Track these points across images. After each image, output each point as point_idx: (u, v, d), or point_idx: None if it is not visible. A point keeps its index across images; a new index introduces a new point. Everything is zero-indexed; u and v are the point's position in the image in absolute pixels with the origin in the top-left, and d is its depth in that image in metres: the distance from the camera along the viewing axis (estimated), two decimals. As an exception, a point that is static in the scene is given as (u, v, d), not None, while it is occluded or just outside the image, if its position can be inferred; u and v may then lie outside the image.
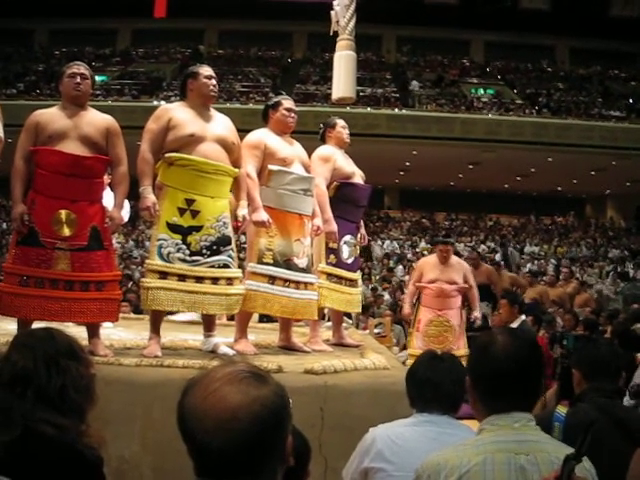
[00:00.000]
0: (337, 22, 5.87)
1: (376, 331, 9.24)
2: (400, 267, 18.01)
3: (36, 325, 3.59)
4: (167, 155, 4.19)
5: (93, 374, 2.13)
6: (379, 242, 20.79)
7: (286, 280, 4.54)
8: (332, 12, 5.88)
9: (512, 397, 1.85)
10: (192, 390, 1.35)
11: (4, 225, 19.72)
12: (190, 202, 4.16)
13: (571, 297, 10.96)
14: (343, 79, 5.86)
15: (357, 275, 5.36)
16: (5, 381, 1.97)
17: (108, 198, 4.40)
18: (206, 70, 4.43)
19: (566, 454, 1.53)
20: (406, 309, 7.76)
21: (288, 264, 4.56)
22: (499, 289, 9.39)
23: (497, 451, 1.78)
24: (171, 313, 5.57)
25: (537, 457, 1.76)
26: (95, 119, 4.14)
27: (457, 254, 11.98)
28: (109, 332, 4.92)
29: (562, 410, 2.76)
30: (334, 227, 4.98)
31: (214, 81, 4.40)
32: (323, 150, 5.23)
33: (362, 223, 5.55)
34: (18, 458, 1.81)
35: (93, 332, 4.07)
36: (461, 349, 6.88)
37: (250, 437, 1.29)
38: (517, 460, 1.76)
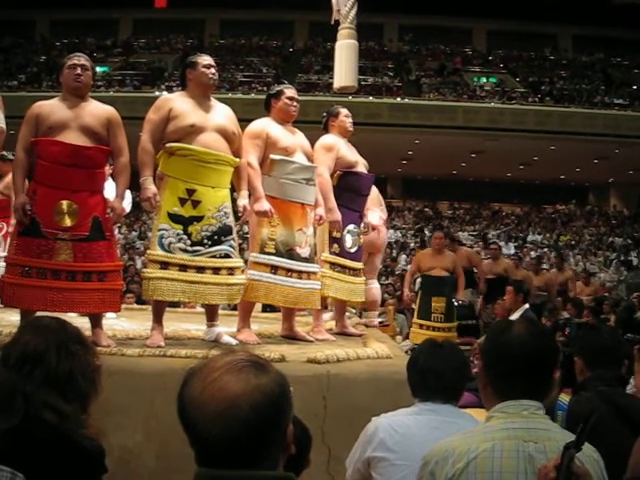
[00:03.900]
0: (338, 11, 5.84)
1: (379, 320, 9.22)
2: (403, 256, 18.03)
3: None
4: (168, 145, 4.18)
5: (99, 365, 2.14)
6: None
7: (288, 270, 4.53)
8: (333, 1, 5.87)
9: (522, 384, 1.85)
10: (192, 380, 1.35)
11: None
12: (191, 192, 4.14)
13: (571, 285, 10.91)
14: (345, 68, 5.84)
15: (361, 265, 5.34)
16: (13, 362, 1.97)
17: (109, 189, 4.39)
18: (204, 59, 4.40)
19: (566, 442, 1.53)
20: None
21: (290, 254, 4.55)
22: (481, 272, 9.27)
23: (506, 438, 1.77)
24: (174, 304, 5.58)
25: (546, 445, 1.75)
26: (96, 110, 4.12)
27: (462, 243, 11.88)
28: (112, 322, 4.93)
29: (565, 398, 2.76)
30: (338, 216, 4.96)
31: (213, 69, 4.37)
32: (326, 139, 5.20)
33: (365, 212, 5.54)
34: (17, 447, 1.81)
35: (95, 322, 4.07)
36: None
37: (250, 426, 1.29)
38: (526, 448, 1.75)
